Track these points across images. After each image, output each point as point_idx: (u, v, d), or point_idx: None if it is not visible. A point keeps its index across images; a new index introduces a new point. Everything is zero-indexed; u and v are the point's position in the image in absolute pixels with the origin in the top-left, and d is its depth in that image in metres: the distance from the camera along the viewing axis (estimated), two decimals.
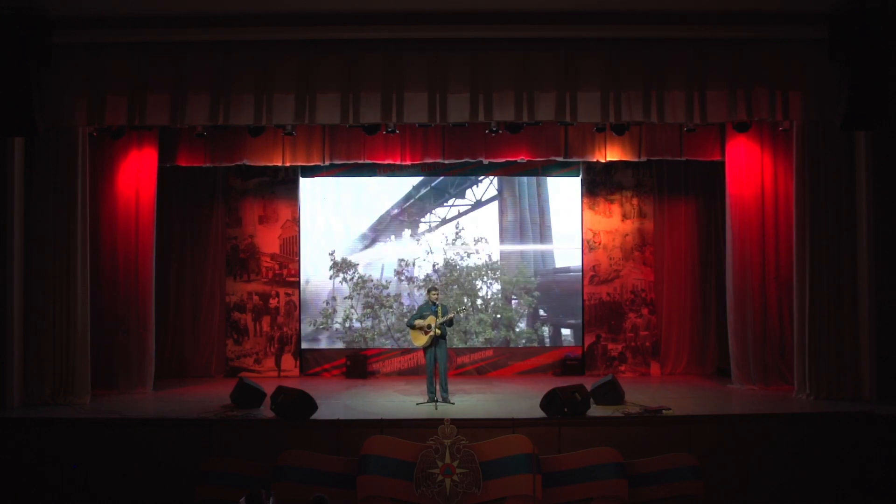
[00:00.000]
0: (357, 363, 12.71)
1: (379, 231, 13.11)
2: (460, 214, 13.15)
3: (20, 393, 10.11)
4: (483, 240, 13.09)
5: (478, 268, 13.06)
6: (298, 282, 13.02)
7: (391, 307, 12.96)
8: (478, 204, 13.18)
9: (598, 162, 12.20)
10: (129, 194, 11.47)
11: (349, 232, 13.09)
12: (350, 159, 12.04)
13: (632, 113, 10.04)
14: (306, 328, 13.02)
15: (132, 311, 11.35)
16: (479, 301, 13.03)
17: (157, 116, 10.03)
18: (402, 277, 13.05)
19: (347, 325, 12.99)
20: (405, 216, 13.13)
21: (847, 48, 9.33)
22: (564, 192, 13.16)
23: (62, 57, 9.75)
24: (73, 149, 10.40)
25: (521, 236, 13.16)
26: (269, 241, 13.07)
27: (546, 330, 13.09)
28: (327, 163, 11.97)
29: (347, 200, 13.10)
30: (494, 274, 13.07)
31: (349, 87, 9.93)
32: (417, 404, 10.25)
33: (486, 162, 12.13)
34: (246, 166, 12.25)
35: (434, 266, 13.03)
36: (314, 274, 13.08)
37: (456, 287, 12.98)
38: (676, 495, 8.64)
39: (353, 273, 13.05)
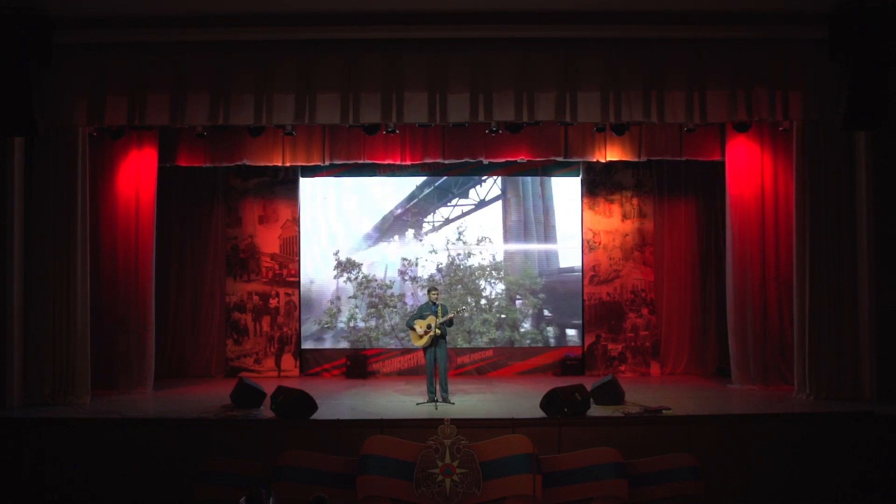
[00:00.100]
0: (357, 363, 12.71)
1: (382, 231, 13.11)
2: (464, 214, 13.15)
3: (20, 393, 10.11)
4: (487, 239, 13.09)
5: (482, 268, 13.06)
6: (298, 282, 13.01)
7: (395, 307, 12.96)
8: (481, 203, 13.17)
9: (598, 162, 12.20)
10: (129, 194, 11.47)
11: (352, 232, 13.09)
12: (350, 159, 12.04)
13: (632, 113, 10.04)
14: (311, 327, 13.01)
15: (132, 311, 11.35)
16: (482, 301, 13.02)
17: (157, 116, 10.04)
18: (406, 277, 13.05)
19: (352, 324, 12.99)
20: (409, 216, 13.13)
21: (847, 48, 9.32)
22: (564, 192, 13.16)
23: (62, 57, 9.75)
24: (73, 149, 10.40)
25: (526, 236, 13.16)
26: (269, 241, 13.06)
27: (551, 330, 13.08)
28: (327, 163, 11.97)
29: (349, 200, 13.10)
30: (498, 274, 13.07)
31: (349, 87, 9.93)
32: (417, 404, 10.25)
33: (486, 162, 12.13)
34: (246, 166, 12.25)
35: (438, 266, 13.03)
36: (318, 273, 13.08)
37: (460, 287, 12.98)
38: (676, 495, 8.64)
39: (358, 273, 13.05)
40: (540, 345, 13.01)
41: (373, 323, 13.00)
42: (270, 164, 12.09)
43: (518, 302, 13.07)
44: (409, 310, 12.71)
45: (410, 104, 9.97)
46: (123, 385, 11.20)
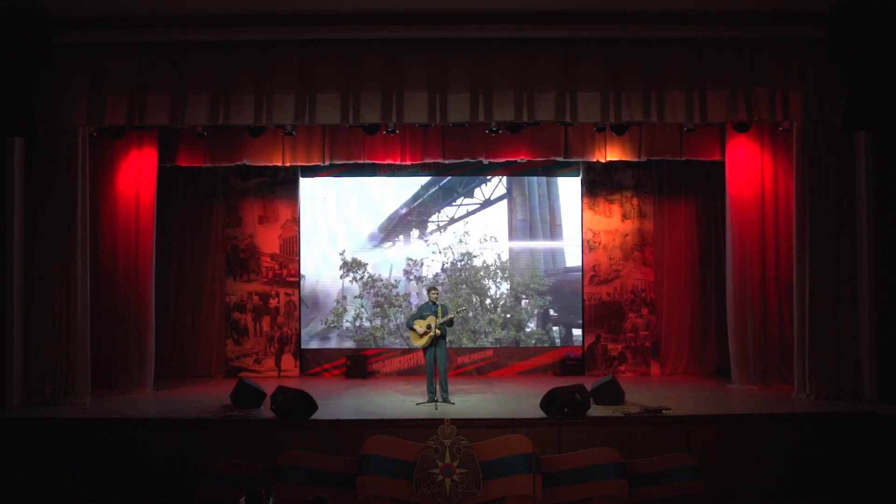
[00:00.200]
0: (357, 363, 12.71)
1: (387, 231, 13.10)
2: (469, 214, 13.14)
3: (20, 393, 10.11)
4: (492, 239, 13.08)
5: (487, 267, 13.05)
6: (298, 282, 13.01)
7: (400, 306, 12.96)
8: (486, 203, 13.16)
9: (598, 162, 12.20)
10: (129, 194, 11.47)
11: (353, 232, 13.08)
12: (350, 159, 12.04)
13: (632, 113, 10.03)
14: (317, 326, 13.02)
15: (132, 311, 11.35)
16: (488, 301, 13.02)
17: (157, 116, 10.03)
18: (411, 277, 13.04)
19: (358, 324, 13.00)
20: (413, 216, 13.12)
21: (847, 48, 9.31)
22: (565, 192, 13.15)
23: (62, 57, 9.74)
24: (73, 149, 10.40)
25: (531, 235, 13.14)
26: (269, 241, 13.06)
27: (556, 330, 13.07)
28: (327, 163, 11.97)
29: (349, 200, 13.09)
30: (504, 273, 13.06)
31: (349, 87, 9.92)
32: (417, 404, 10.25)
33: (486, 162, 12.13)
34: (246, 166, 12.25)
35: (443, 265, 13.02)
36: (323, 273, 13.07)
37: (465, 287, 12.98)
38: (676, 495, 8.64)
39: (363, 272, 13.04)
40: (546, 345, 13.00)
41: (378, 322, 12.99)
42: (270, 164, 12.09)
43: (524, 302, 13.06)
44: (414, 310, 12.70)
45: (410, 104, 9.96)
46: (123, 385, 11.20)
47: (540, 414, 9.40)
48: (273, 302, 12.98)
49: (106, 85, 9.97)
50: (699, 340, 12.89)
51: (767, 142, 11.61)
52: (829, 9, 9.37)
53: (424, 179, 13.09)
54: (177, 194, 12.85)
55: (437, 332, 10.28)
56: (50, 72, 9.69)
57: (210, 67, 9.95)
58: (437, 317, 10.32)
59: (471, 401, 10.58)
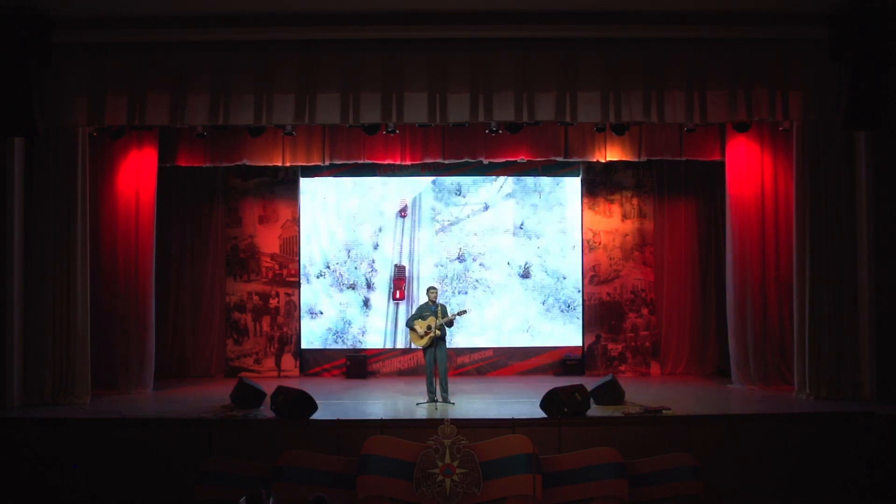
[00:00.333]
0: (357, 363, 12.71)
1: (389, 230, 13.08)
2: (472, 214, 13.13)
3: (20, 393, 10.11)
4: (495, 238, 13.04)
5: (489, 267, 13.04)
6: (298, 282, 13.01)
7: (401, 306, 12.96)
8: (490, 203, 13.13)
9: (598, 162, 12.21)
10: (129, 194, 11.47)
11: (353, 232, 13.07)
12: (350, 159, 12.05)
13: (632, 113, 10.04)
14: (318, 326, 13.00)
15: (132, 311, 11.35)
16: (490, 300, 13.00)
17: (157, 116, 10.04)
18: (413, 276, 13.01)
19: (359, 324, 12.98)
20: (416, 215, 13.11)
21: (847, 48, 9.31)
22: (565, 193, 13.14)
23: (62, 57, 9.74)
24: (73, 149, 10.40)
25: (532, 234, 13.11)
26: (269, 241, 13.07)
27: (559, 330, 13.04)
28: (327, 163, 11.97)
29: (349, 200, 13.08)
30: (507, 273, 13.05)
31: (349, 87, 9.93)
32: (417, 404, 10.25)
33: (486, 162, 12.14)
34: (246, 166, 12.26)
35: (445, 265, 13.00)
36: (324, 273, 13.04)
37: (467, 287, 12.97)
38: (676, 495, 8.63)
39: (362, 272, 13.02)
40: (546, 345, 13.00)
41: (379, 322, 12.97)
42: (270, 164, 12.10)
43: (527, 301, 13.04)
44: (414, 310, 12.71)
45: (410, 104, 9.97)
46: (123, 385, 11.20)
47: (540, 414, 9.40)
48: (273, 302, 12.98)
49: (106, 85, 9.97)
50: (699, 340, 12.89)
51: (767, 142, 11.62)
52: (829, 9, 9.37)
53: (426, 179, 13.08)
54: (177, 194, 12.86)
55: (437, 332, 10.28)
56: (50, 72, 9.70)
57: (210, 67, 9.95)
58: (436, 317, 10.33)
59: (471, 401, 10.58)
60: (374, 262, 13.03)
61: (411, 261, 13.05)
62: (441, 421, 8.74)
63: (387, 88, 9.92)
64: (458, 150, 11.99)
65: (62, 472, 8.99)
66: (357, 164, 12.31)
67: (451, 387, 10.53)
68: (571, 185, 13.13)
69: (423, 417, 9.59)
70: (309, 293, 13.02)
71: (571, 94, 9.95)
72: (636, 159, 12.08)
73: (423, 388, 10.64)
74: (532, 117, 10.02)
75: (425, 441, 8.61)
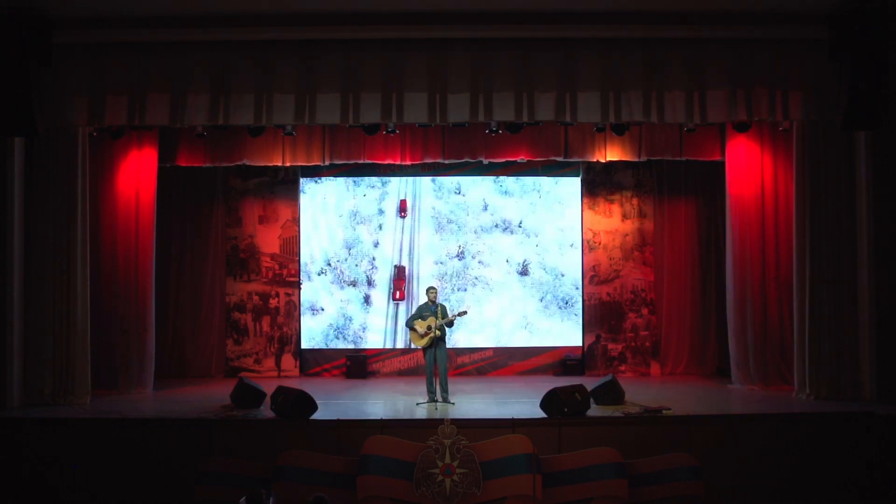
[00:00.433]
0: (357, 363, 12.71)
1: (388, 231, 13.08)
2: (473, 213, 13.12)
3: (20, 393, 10.11)
4: (496, 238, 13.04)
5: (490, 266, 13.03)
6: (298, 282, 13.01)
7: (401, 306, 12.96)
8: (490, 202, 13.12)
9: (598, 162, 12.21)
10: (129, 194, 11.47)
11: (353, 232, 13.07)
12: (350, 159, 12.05)
13: (632, 113, 10.04)
14: (319, 326, 13.00)
15: (132, 311, 11.36)
16: (491, 300, 12.99)
17: (157, 116, 10.04)
18: (413, 276, 13.01)
19: (359, 323, 12.98)
20: (416, 215, 13.10)
21: (847, 48, 9.31)
22: (565, 192, 13.15)
23: (62, 57, 9.74)
24: (73, 149, 10.40)
25: (531, 232, 13.10)
26: (269, 241, 13.06)
27: (560, 330, 13.03)
28: (327, 163, 11.97)
29: (349, 200, 13.08)
30: (506, 272, 13.04)
31: (349, 87, 9.93)
32: (417, 404, 10.25)
33: (486, 162, 12.14)
34: (246, 166, 12.26)
35: (445, 264, 13.00)
36: (324, 273, 13.04)
37: (467, 287, 12.97)
38: (676, 495, 8.63)
39: (362, 270, 13.01)
40: (546, 345, 13.00)
41: (379, 322, 12.98)
42: (270, 164, 12.10)
43: (525, 298, 13.03)
44: (414, 310, 12.71)
45: (410, 104, 9.97)
46: (123, 385, 11.20)
47: (540, 414, 9.40)
48: (273, 302, 12.98)
49: (106, 85, 9.97)
50: (699, 340, 12.89)
51: (767, 142, 11.62)
52: (829, 9, 9.37)
53: (425, 179, 13.08)
54: (177, 194, 12.85)
55: (437, 333, 10.28)
56: (50, 72, 9.69)
57: (210, 67, 9.94)
58: (436, 317, 10.33)
59: (471, 401, 10.58)
60: (374, 259, 13.03)
61: (411, 259, 13.06)
62: (441, 421, 8.75)
63: (387, 88, 9.92)
64: (458, 150, 11.99)
65: (62, 472, 8.99)
66: (357, 164, 12.31)
67: (451, 387, 10.53)
68: (571, 185, 13.12)
69: (423, 417, 9.59)
70: (310, 291, 13.03)
71: (571, 94, 9.95)
72: (636, 159, 12.08)
73: (423, 388, 10.64)
74: (532, 117, 10.02)
75: (425, 441, 8.61)
